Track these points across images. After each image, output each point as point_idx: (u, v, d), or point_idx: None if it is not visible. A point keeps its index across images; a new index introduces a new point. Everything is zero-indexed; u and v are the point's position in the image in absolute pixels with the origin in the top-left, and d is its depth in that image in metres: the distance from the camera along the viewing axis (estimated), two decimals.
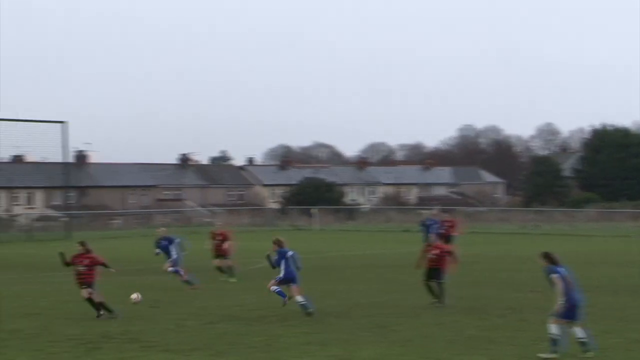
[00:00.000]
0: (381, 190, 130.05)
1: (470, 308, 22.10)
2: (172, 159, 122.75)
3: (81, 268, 20.63)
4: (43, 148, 74.68)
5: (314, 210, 79.99)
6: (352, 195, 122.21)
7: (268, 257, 21.60)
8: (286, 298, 21.22)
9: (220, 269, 30.66)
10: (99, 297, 20.59)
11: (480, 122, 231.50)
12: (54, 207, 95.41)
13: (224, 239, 30.83)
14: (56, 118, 73.15)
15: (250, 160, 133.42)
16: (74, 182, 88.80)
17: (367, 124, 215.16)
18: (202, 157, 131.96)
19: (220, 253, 30.61)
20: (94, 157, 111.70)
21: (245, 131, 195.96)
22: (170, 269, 27.76)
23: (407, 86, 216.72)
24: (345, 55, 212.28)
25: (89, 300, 20.60)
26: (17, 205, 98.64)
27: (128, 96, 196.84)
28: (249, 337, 17.52)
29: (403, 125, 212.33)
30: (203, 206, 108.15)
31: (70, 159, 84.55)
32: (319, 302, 23.45)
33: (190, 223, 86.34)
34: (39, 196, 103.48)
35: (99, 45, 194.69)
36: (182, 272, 27.63)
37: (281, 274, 21.16)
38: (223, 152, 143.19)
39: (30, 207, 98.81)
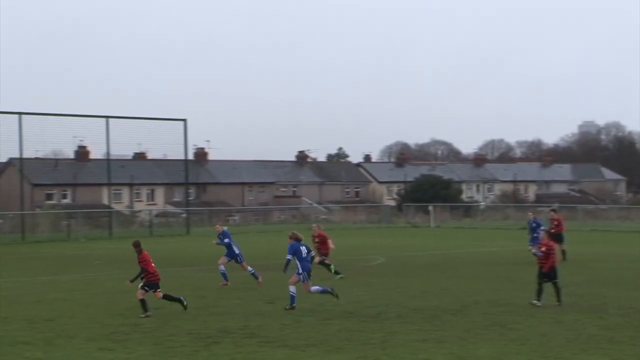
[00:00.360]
0: (498, 188, 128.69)
1: (590, 307, 21.67)
2: (289, 156, 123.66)
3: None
4: (164, 145, 76.23)
5: (431, 207, 79.61)
6: (469, 193, 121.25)
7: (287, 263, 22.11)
8: (330, 289, 21.94)
9: (327, 265, 30.63)
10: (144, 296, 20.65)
11: (602, 118, 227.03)
12: (174, 204, 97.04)
13: (321, 240, 30.88)
14: (177, 116, 74.49)
15: (367, 158, 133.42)
16: (194, 178, 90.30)
17: (485, 121, 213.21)
18: (319, 154, 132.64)
19: (321, 253, 30.65)
20: (213, 155, 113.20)
21: (362, 129, 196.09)
22: (249, 268, 27.56)
23: (526, 82, 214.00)
24: (462, 53, 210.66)
25: (166, 297, 20.85)
26: (138, 201, 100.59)
27: (247, 94, 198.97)
28: (365, 334, 17.52)
29: (521, 122, 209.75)
30: (319, 203, 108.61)
31: (190, 156, 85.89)
32: (435, 299, 23.34)
33: (306, 219, 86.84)
34: (159, 193, 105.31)
35: (219, 46, 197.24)
36: (249, 268, 27.55)
37: (299, 269, 21.71)
38: (340, 149, 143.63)
39: (151, 204, 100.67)
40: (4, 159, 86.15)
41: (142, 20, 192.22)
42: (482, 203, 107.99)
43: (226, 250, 28.16)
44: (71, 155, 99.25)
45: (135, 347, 16.27)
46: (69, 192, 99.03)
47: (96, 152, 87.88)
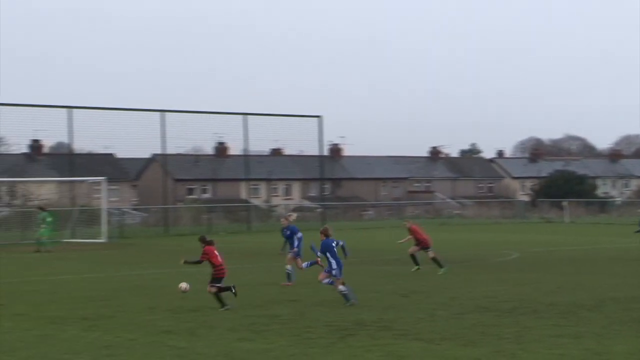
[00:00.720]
0: (635, 184, 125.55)
1: None
2: (423, 152, 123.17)
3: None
4: (300, 142, 76.91)
5: (565, 202, 78.30)
6: (604, 189, 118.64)
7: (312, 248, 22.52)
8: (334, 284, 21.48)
9: (412, 257, 30.30)
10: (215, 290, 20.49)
11: None
12: (310, 198, 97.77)
13: (413, 233, 30.52)
14: (312, 113, 75.05)
15: (500, 153, 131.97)
16: (329, 174, 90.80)
17: (620, 116, 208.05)
18: (452, 150, 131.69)
19: (421, 246, 30.34)
20: (348, 150, 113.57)
21: (495, 124, 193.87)
22: (303, 265, 25.68)
23: None
24: (592, 46, 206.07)
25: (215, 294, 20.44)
26: (275, 196, 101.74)
27: (381, 92, 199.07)
28: (500, 328, 17.33)
29: None
30: (453, 198, 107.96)
31: (326, 152, 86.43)
32: (570, 294, 22.90)
33: (440, 214, 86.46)
34: (296, 187, 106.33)
35: (347, 44, 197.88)
36: (303, 265, 25.75)
37: (332, 265, 21.26)
38: (473, 145, 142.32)
39: (288, 198, 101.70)
40: (148, 155, 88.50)
41: (276, 21, 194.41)
42: (618, 199, 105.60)
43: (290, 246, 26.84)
44: (211, 152, 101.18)
45: (274, 337, 16.47)
46: (209, 187, 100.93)
47: (235, 149, 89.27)
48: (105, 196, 57.05)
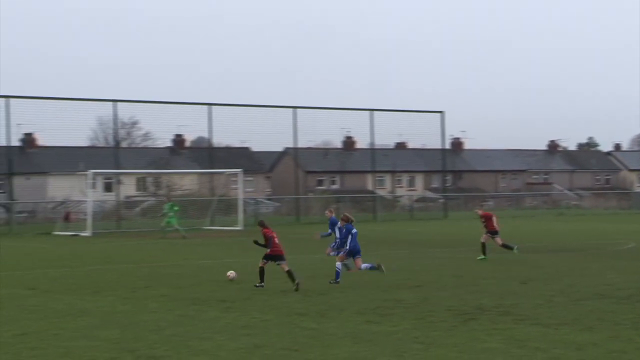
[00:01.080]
0: None
1: None
2: (541, 145, 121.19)
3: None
4: (423, 136, 76.69)
5: None
6: None
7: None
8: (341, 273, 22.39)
9: (483, 246, 29.71)
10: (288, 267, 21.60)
11: None
12: (433, 190, 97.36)
13: (485, 220, 30.02)
14: (435, 109, 74.73)
15: (617, 146, 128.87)
16: (450, 166, 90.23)
17: None
18: (570, 143, 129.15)
19: (489, 231, 29.92)
20: (469, 144, 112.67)
21: (612, 118, 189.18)
22: (331, 253, 24.95)
23: None
24: None
25: (288, 272, 21.49)
26: (399, 187, 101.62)
27: (500, 86, 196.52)
28: (617, 315, 16.91)
29: None
30: (570, 190, 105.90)
31: (447, 145, 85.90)
32: None
33: (557, 205, 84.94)
34: (419, 179, 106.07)
35: (466, 45, 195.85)
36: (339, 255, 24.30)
37: (347, 247, 22.39)
38: (590, 138, 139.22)
39: (412, 189, 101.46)
40: (281, 149, 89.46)
41: (400, 23, 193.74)
42: None
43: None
44: (339, 145, 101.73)
45: (399, 321, 16.45)
46: (337, 179, 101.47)
47: (361, 142, 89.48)
48: (241, 187, 57.94)
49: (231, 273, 23.41)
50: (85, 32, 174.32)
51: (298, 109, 66.44)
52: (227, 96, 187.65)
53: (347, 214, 23.37)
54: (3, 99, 56.40)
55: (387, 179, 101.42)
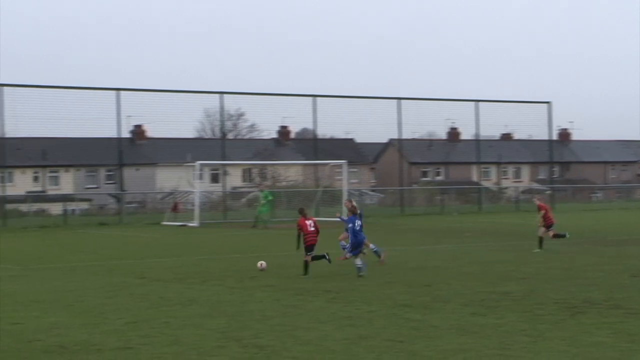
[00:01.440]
0: None
1: None
2: None
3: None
4: (529, 127, 75.69)
5: None
6: None
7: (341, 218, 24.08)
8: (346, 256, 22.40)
9: (540, 240, 29.11)
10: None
11: None
12: (539, 181, 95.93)
13: (545, 211, 29.64)
14: (542, 99, 73.58)
15: None
16: (558, 157, 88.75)
17: None
18: None
19: (546, 224, 29.49)
20: (576, 135, 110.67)
21: None
22: (347, 255, 24.92)
23: None
24: None
25: (305, 262, 22.06)
26: (505, 179, 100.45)
27: (609, 78, 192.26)
28: None
29: None
30: None
31: (554, 136, 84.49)
32: None
33: None
34: (525, 171, 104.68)
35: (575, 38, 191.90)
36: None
37: (350, 241, 22.30)
38: None
39: (517, 181, 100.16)
40: (385, 140, 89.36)
41: (514, 15, 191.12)
42: None
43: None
44: (443, 136, 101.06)
45: (505, 313, 16.25)
46: (441, 170, 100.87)
47: (466, 133, 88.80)
48: (345, 178, 58.05)
49: (262, 263, 23.58)
50: (189, 27, 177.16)
51: (402, 100, 66.25)
52: (331, 88, 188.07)
53: (354, 204, 23.23)
54: (114, 92, 57.78)
55: (493, 170, 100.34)
